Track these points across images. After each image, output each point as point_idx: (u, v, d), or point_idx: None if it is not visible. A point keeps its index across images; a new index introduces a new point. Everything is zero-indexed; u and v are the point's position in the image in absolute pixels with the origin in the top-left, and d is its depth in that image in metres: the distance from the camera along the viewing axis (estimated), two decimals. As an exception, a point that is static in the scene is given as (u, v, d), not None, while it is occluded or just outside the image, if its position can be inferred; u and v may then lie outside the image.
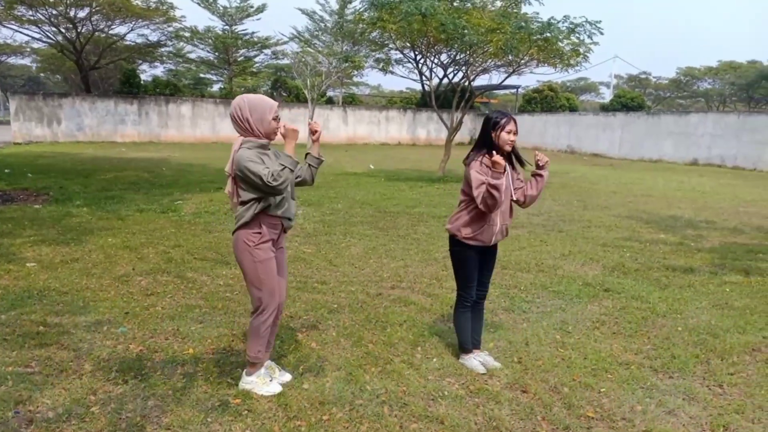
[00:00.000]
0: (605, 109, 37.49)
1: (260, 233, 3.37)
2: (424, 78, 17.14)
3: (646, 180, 18.01)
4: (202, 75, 47.43)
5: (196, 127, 30.79)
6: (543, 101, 38.85)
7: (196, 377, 3.64)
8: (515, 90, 41.31)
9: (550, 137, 32.14)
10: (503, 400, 3.51)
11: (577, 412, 3.41)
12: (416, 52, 16.21)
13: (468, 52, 14.40)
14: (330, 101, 37.27)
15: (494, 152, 3.72)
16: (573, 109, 39.31)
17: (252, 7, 36.17)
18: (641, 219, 10.46)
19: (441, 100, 36.68)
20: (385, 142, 35.27)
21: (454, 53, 15.77)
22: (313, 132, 3.55)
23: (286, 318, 4.77)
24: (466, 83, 16.52)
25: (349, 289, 5.66)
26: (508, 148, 3.79)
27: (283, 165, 3.22)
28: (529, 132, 33.79)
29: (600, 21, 13.34)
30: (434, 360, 4.07)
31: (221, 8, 36.01)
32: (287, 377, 3.68)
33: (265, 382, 3.52)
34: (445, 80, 17.34)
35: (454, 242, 3.96)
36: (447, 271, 6.37)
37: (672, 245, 8.25)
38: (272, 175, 3.16)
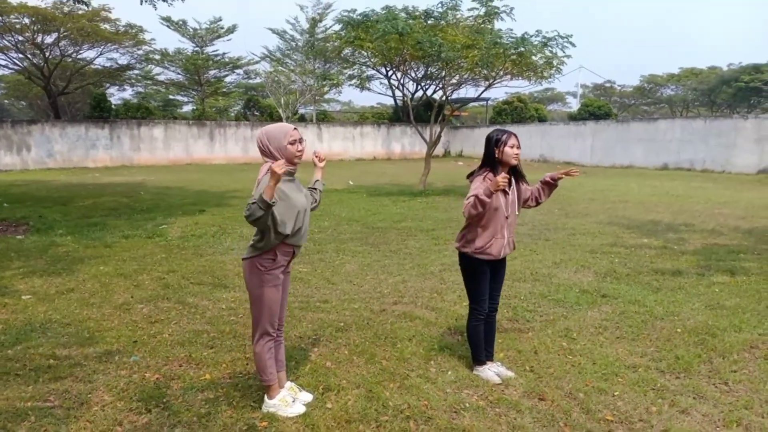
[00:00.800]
0: (574, 118, 38.25)
1: (274, 259, 3.42)
2: (400, 93, 17.36)
3: (620, 186, 18.42)
4: (171, 96, 47.13)
5: (169, 149, 30.52)
6: (513, 112, 39.47)
7: (219, 402, 3.65)
8: (485, 102, 41.90)
9: (523, 147, 32.08)
10: (523, 408, 3.60)
11: (596, 416, 3.51)
12: (391, 69, 16.41)
13: (445, 69, 14.65)
14: (302, 119, 37.34)
15: (499, 169, 3.88)
16: (542, 119, 40.00)
17: (222, 28, 36.17)
18: (622, 225, 10.72)
19: (414, 114, 37.11)
20: (360, 158, 35.39)
21: (430, 69, 16.02)
22: (320, 160, 3.72)
23: (296, 339, 4.80)
24: (443, 98, 16.77)
25: (353, 306, 5.70)
26: (513, 161, 3.93)
27: (253, 200, 3.12)
28: (502, 143, 34.23)
29: (571, 35, 13.72)
30: (449, 373, 4.15)
31: (191, 30, 35.94)
32: (308, 397, 3.71)
33: (288, 403, 3.55)
34: (419, 95, 17.61)
35: (465, 258, 4.05)
36: (445, 285, 6.46)
37: (656, 249, 8.48)
38: (246, 207, 3.15)
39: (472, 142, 36.85)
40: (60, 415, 3.46)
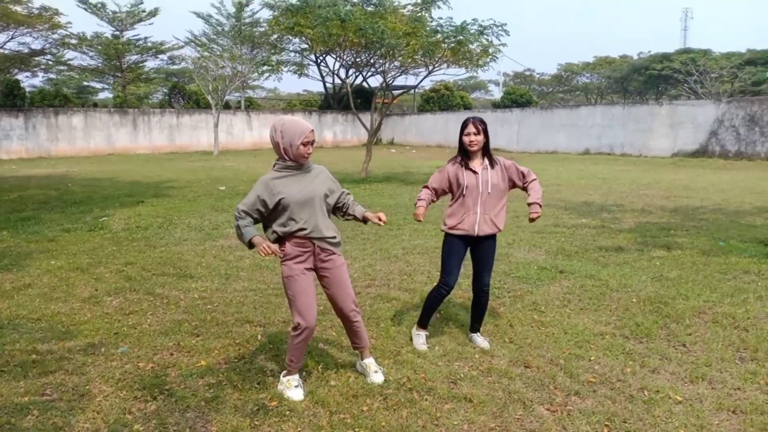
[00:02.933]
0: (497, 105, 39.46)
1: (284, 250, 3.52)
2: (337, 80, 17.38)
3: (550, 170, 19.29)
4: (86, 83, 44.92)
5: (89, 138, 29.19)
6: (440, 100, 40.29)
7: (222, 387, 3.71)
8: (413, 90, 42.46)
9: (452, 135, 33.35)
10: (513, 375, 3.88)
11: (579, 378, 3.83)
12: (322, 56, 16.40)
13: (387, 56, 14.82)
14: (227, 106, 36.54)
15: (466, 157, 4.23)
16: (467, 106, 41.04)
17: (144, 11, 34.74)
18: (560, 206, 11.32)
19: (344, 101, 37.08)
20: (291, 146, 35.09)
21: (368, 56, 16.14)
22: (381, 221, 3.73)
23: (281, 323, 4.87)
24: (383, 84, 16.96)
25: (327, 290, 5.82)
26: (471, 148, 4.16)
27: (241, 223, 3.46)
28: (432, 130, 34.99)
29: (506, 23, 14.21)
30: (437, 348, 4.37)
31: (111, 13, 34.29)
32: (380, 378, 3.78)
33: (290, 386, 3.60)
34: (351, 81, 17.69)
35: (444, 235, 4.32)
36: (411, 267, 6.69)
37: (595, 228, 9.06)
38: (237, 211, 3.47)
39: (403, 130, 37.31)
40: (63, 407, 3.42)
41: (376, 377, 3.76)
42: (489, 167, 4.24)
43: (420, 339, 4.41)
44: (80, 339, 4.54)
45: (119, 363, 4.09)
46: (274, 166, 3.54)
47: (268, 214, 3.50)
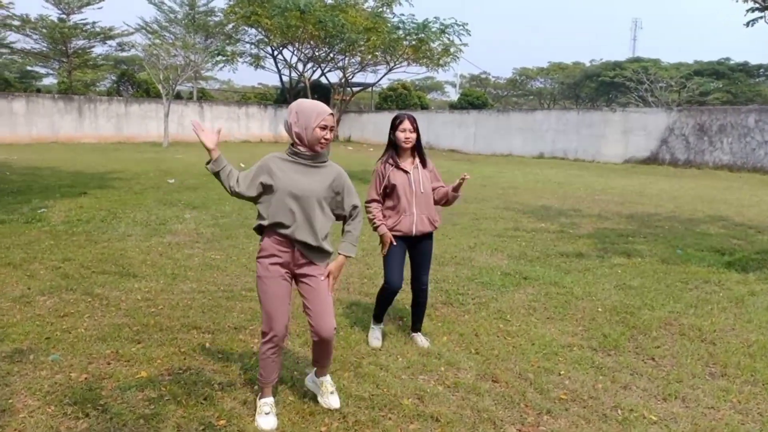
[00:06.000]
0: (454, 107, 39.64)
1: (261, 246, 3.23)
2: (294, 74, 16.95)
3: (506, 173, 19.34)
4: (29, 68, 42.85)
5: (32, 125, 27.79)
6: (398, 99, 40.19)
7: (164, 402, 3.35)
8: (371, 88, 42.22)
9: (409, 133, 33.31)
10: (482, 391, 3.64)
11: (550, 395, 3.63)
12: (278, 49, 15.94)
13: (348, 51, 14.49)
14: (178, 96, 35.45)
15: (395, 155, 4.15)
16: (424, 106, 41.13)
17: (92, -6, 33.33)
18: (518, 210, 11.25)
19: (301, 96, 36.50)
20: (246, 140, 34.27)
21: (327, 50, 15.77)
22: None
23: (232, 330, 4.53)
24: (342, 80, 16.63)
25: (282, 294, 5.48)
26: (403, 145, 4.09)
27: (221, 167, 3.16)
28: (389, 128, 34.77)
29: (467, 23, 14.09)
30: (400, 359, 4.11)
31: (56, -6, 32.78)
32: (336, 403, 3.37)
33: (260, 412, 3.22)
34: (311, 75, 17.31)
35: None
36: (372, 270, 6.42)
37: (555, 233, 8.98)
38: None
39: (360, 127, 37.01)
40: (-21, 427, 3.01)
41: (332, 400, 3.35)
42: (420, 166, 4.20)
43: (374, 333, 4.40)
44: (7, 344, 4.09)
45: (49, 373, 3.67)
46: (287, 150, 3.22)
47: (258, 195, 3.18)
